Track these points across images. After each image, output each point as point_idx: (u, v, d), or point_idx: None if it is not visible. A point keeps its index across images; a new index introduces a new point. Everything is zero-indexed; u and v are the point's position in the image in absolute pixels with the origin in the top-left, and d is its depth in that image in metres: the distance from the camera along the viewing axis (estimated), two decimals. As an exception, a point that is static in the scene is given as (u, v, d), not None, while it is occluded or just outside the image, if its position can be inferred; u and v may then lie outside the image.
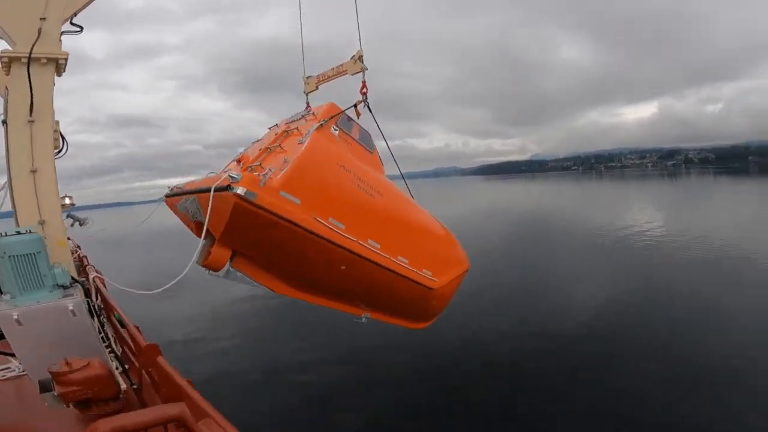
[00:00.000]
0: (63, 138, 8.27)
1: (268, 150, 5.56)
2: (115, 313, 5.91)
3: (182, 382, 3.06)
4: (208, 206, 4.29)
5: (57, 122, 8.03)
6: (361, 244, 5.28)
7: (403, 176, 7.66)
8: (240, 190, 4.09)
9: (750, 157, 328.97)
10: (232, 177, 4.17)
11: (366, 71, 6.97)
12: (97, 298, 6.19)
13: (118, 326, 5.53)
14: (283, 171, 4.66)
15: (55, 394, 3.44)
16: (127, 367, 4.72)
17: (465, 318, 15.29)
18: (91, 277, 7.19)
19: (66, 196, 10.26)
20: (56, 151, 8.12)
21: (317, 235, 4.77)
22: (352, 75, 7.16)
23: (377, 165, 6.87)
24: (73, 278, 5.78)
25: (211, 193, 4.25)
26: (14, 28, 6.43)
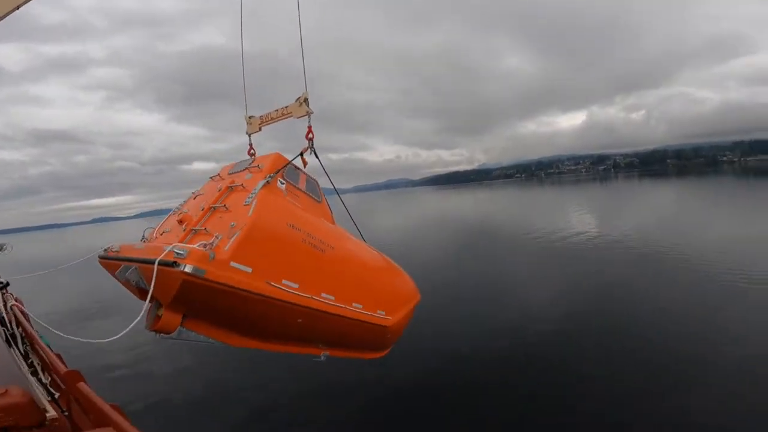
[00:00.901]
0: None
1: (212, 209, 5.44)
2: (44, 338, 5.65)
3: (107, 407, 2.95)
4: (152, 277, 4.07)
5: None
6: (316, 299, 5.41)
7: (338, 194, 7.77)
8: (188, 268, 4.01)
9: (668, 161, 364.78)
10: (177, 253, 4.04)
11: (312, 114, 6.66)
12: (18, 327, 5.82)
13: (43, 354, 5.21)
14: (232, 240, 4.63)
15: (-31, 423, 3.21)
16: (57, 395, 4.45)
17: (424, 332, 15.31)
18: (9, 305, 6.74)
19: (-21, 221, 9.43)
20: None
21: (272, 298, 4.85)
22: (298, 118, 6.83)
23: (326, 213, 6.91)
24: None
25: (155, 266, 4.06)
26: None
